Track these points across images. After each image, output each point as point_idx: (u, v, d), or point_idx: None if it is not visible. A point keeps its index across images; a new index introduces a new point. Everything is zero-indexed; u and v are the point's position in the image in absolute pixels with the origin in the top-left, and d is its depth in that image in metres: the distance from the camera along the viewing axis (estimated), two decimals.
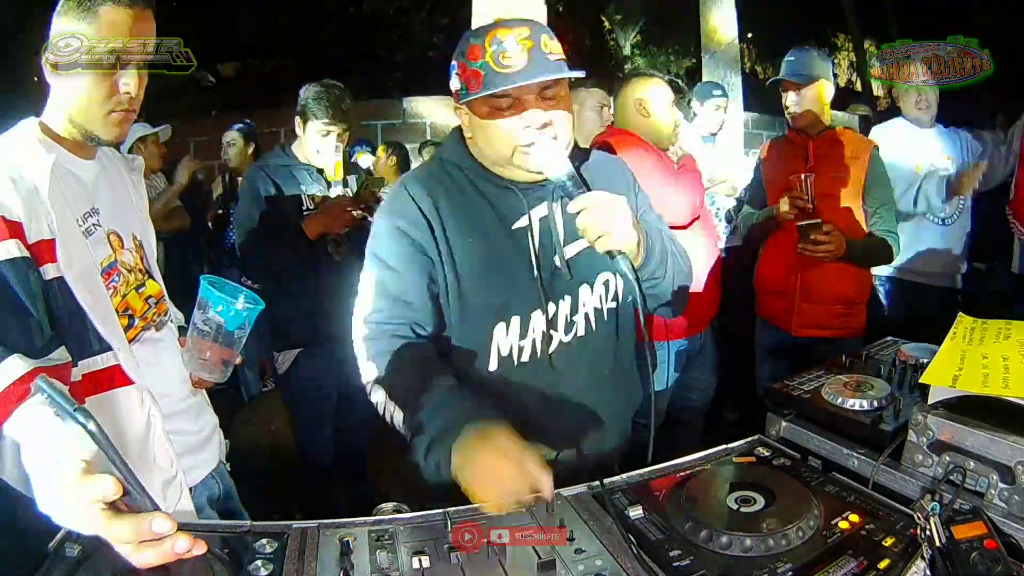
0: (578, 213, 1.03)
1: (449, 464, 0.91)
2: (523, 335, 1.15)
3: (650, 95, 2.07)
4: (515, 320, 1.14)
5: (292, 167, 2.10)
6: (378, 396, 1.07)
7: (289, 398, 2.26)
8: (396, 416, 1.04)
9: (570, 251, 1.17)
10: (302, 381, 2.14)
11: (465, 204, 1.15)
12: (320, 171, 2.10)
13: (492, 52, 1.03)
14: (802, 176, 1.92)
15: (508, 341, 1.14)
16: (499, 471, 0.86)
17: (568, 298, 1.17)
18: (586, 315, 1.19)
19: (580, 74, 1.11)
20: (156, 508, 0.63)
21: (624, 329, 1.26)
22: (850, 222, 2.05)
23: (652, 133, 2.08)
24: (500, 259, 1.13)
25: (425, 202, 1.13)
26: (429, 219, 1.12)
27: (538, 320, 1.15)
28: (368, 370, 1.09)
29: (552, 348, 1.16)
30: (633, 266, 1.05)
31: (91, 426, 0.61)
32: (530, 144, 1.07)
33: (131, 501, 0.63)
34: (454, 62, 1.11)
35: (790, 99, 2.12)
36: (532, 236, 1.14)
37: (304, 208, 2.06)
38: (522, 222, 1.15)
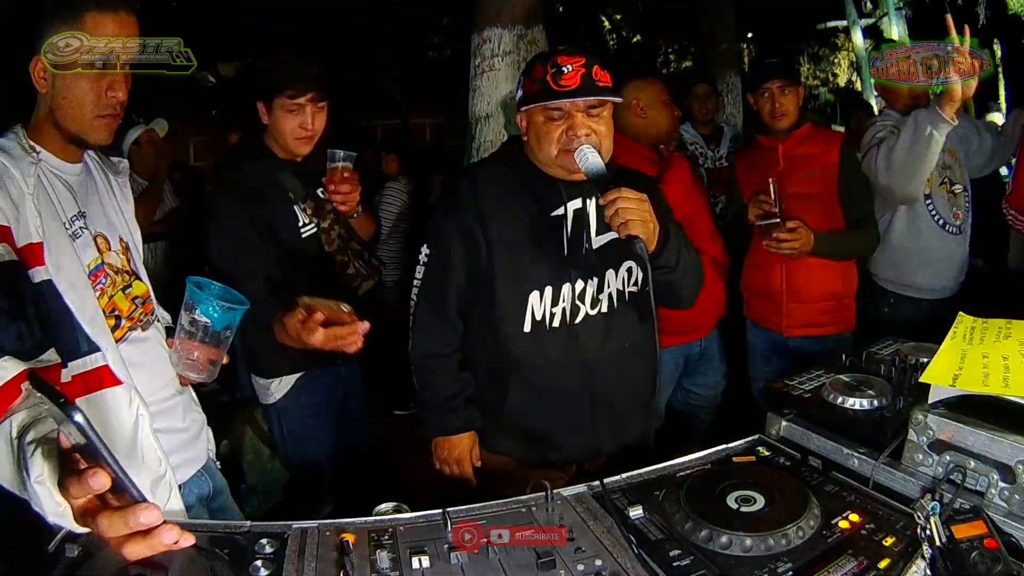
0: (607, 205, 1.20)
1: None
2: (554, 303, 1.36)
3: (643, 96, 2.07)
4: (548, 290, 1.35)
5: (270, 168, 1.66)
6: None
7: (287, 426, 1.81)
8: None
9: (601, 240, 1.38)
10: (303, 409, 1.78)
11: (509, 194, 1.38)
12: (303, 165, 1.68)
13: (552, 73, 1.26)
14: (769, 180, 1.93)
15: (541, 307, 1.35)
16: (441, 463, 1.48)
17: (595, 279, 1.37)
18: (610, 295, 1.39)
19: (618, 100, 1.32)
20: (144, 500, 0.63)
21: (645, 314, 1.39)
22: (826, 217, 2.03)
23: (650, 133, 2.08)
24: (535, 240, 1.36)
25: (469, 198, 1.38)
26: (472, 211, 1.36)
27: (567, 292, 1.35)
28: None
29: (579, 319, 1.37)
30: (647, 252, 1.21)
31: (78, 417, 0.60)
32: (573, 149, 1.26)
33: (120, 494, 0.63)
34: (522, 77, 1.36)
35: (789, 103, 2.05)
36: (566, 223, 1.36)
37: (301, 224, 1.66)
38: (559, 211, 1.36)
